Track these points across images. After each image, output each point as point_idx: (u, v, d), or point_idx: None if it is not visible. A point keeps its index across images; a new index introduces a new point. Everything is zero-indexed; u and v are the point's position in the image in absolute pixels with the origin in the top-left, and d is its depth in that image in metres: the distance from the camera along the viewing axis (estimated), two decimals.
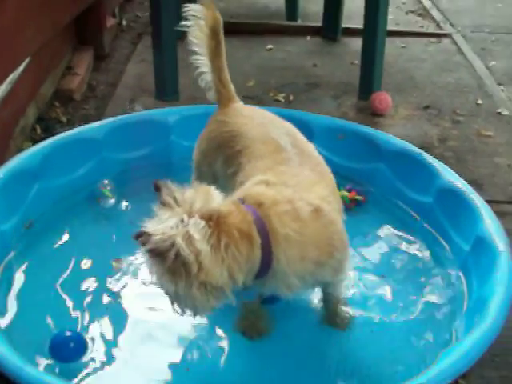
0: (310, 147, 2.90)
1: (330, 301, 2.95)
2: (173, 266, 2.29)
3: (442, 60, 5.99)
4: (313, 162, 2.79)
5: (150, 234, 2.26)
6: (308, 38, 6.35)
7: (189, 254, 2.25)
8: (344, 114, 4.92)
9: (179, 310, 2.48)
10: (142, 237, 2.27)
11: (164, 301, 2.83)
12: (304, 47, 6.18)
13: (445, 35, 6.49)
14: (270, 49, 6.11)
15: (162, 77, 5.03)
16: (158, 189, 2.41)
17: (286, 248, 2.44)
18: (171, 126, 4.02)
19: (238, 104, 3.23)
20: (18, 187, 3.40)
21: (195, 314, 2.50)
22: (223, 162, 2.98)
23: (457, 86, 5.51)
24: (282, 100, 5.13)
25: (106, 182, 3.75)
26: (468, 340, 2.47)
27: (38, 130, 4.55)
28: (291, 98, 5.16)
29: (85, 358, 2.79)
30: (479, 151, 4.56)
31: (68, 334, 2.80)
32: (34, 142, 4.23)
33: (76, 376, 2.71)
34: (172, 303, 2.49)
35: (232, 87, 3.25)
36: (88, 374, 2.73)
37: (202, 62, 3.23)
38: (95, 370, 2.75)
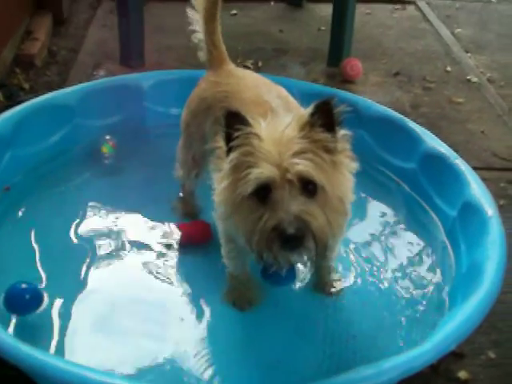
0: (301, 110, 2.81)
1: (322, 268, 2.90)
2: None
3: (408, 27, 5.97)
4: None
5: None
6: (272, 3, 6.26)
7: None
8: (314, 81, 4.85)
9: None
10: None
11: (143, 272, 2.98)
12: (269, 12, 6.09)
13: (409, 2, 6.46)
14: (235, 14, 5.99)
15: (127, 41, 4.87)
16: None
17: None
18: (145, 91, 3.88)
19: (231, 66, 3.15)
20: None
21: None
22: (213, 123, 2.88)
23: (425, 52, 5.50)
24: (251, 66, 5.03)
25: (108, 137, 3.67)
26: (469, 304, 2.44)
27: (1, 98, 4.35)
28: (260, 64, 5.08)
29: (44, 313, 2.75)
30: (452, 118, 4.56)
31: (24, 286, 2.74)
32: None
33: (30, 328, 2.68)
34: None
35: (224, 49, 3.17)
36: (42, 328, 2.70)
37: (196, 20, 3.15)
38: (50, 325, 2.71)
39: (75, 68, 4.91)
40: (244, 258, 2.76)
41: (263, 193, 2.23)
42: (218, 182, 2.41)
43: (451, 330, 2.33)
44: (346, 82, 4.86)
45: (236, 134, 2.27)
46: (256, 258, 2.35)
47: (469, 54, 5.51)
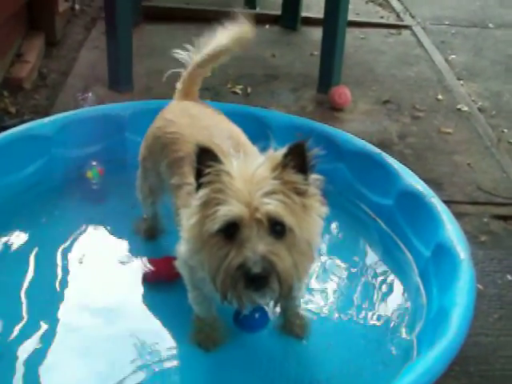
0: (254, 150, 2.79)
1: (290, 308, 2.86)
2: None
3: (402, 52, 5.94)
4: None
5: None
6: (267, 26, 6.24)
7: None
8: (302, 108, 4.85)
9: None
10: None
11: (111, 307, 2.98)
12: (263, 36, 6.05)
13: (405, 27, 6.45)
14: None
15: (115, 66, 4.87)
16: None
17: None
18: (125, 121, 3.88)
19: (190, 102, 3.19)
20: None
21: None
22: (167, 166, 2.92)
23: (417, 79, 5.46)
24: (240, 92, 5.03)
25: (95, 163, 3.68)
26: (429, 357, 2.39)
27: None
28: (249, 90, 5.06)
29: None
30: (439, 149, 4.52)
31: None
32: None
33: None
34: None
35: (197, 87, 3.24)
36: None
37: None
38: None
39: (64, 91, 4.90)
40: (210, 302, 2.75)
41: (231, 231, 2.21)
42: (187, 218, 2.39)
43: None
44: (334, 109, 4.84)
45: (207, 170, 2.25)
46: (220, 297, 2.33)
47: (461, 82, 5.48)
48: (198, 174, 2.29)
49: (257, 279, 2.17)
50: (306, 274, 2.46)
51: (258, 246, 2.17)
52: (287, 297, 2.36)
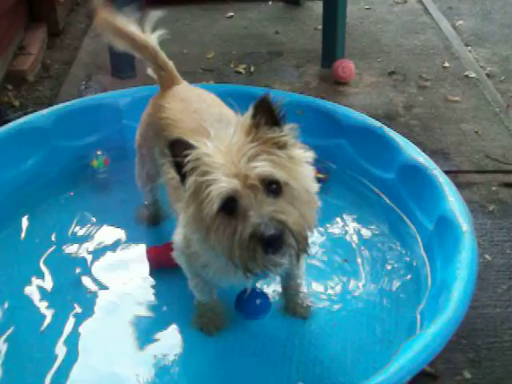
0: None
1: (291, 288, 2.85)
2: None
3: (409, 21, 5.83)
4: None
5: None
6: (270, 2, 6.18)
7: None
8: (306, 84, 4.79)
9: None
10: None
11: (114, 294, 3.01)
12: (266, 13, 6.00)
13: None
14: (231, 16, 5.91)
15: (117, 53, 4.80)
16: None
17: None
18: (123, 109, 3.86)
19: (180, 86, 3.14)
20: None
21: None
22: (160, 152, 2.88)
23: (423, 48, 5.36)
24: (243, 71, 4.97)
25: (100, 152, 3.68)
26: (428, 334, 2.36)
27: None
28: (252, 69, 5.01)
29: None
30: (446, 118, 4.43)
31: None
32: None
33: None
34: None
35: (172, 67, 3.16)
36: None
37: None
38: None
39: (67, 81, 4.89)
40: (211, 288, 2.75)
41: (230, 206, 2.18)
42: (184, 211, 2.36)
43: (404, 363, 2.25)
44: (338, 83, 4.77)
45: (185, 160, 2.22)
46: (243, 273, 2.28)
47: (469, 48, 5.36)
48: (179, 166, 2.26)
49: (273, 241, 2.14)
50: (314, 221, 2.37)
51: (262, 210, 2.13)
52: (306, 249, 2.29)
